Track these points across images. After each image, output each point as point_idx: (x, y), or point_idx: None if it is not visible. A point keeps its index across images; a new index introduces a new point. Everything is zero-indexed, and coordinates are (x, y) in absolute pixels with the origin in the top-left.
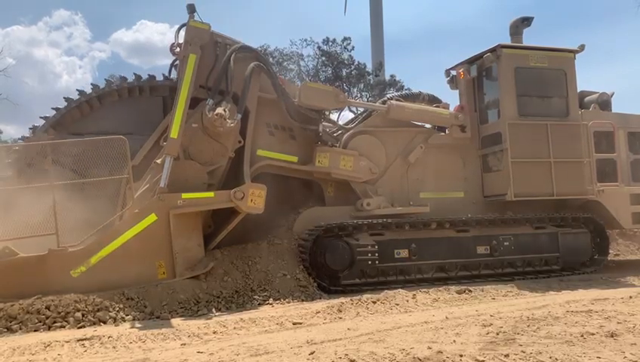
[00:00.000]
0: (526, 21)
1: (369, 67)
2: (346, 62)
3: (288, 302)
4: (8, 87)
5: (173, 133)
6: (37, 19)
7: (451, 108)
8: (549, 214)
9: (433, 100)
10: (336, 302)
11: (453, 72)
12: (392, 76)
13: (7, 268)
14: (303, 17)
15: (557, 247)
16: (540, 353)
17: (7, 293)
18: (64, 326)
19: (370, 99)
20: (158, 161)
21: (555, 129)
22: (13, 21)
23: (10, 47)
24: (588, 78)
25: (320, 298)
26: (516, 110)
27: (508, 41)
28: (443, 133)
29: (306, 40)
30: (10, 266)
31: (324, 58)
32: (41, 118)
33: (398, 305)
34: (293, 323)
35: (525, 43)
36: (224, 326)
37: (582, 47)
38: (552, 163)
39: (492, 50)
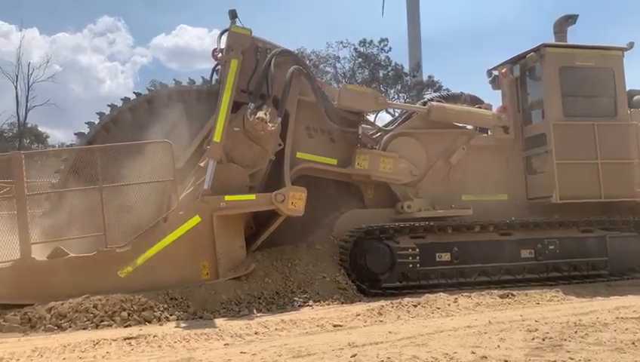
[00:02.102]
0: (570, 19)
1: (406, 68)
2: (382, 63)
3: (328, 304)
4: (55, 93)
5: (216, 136)
6: (82, 27)
7: (494, 109)
8: (597, 217)
9: (475, 101)
10: (376, 305)
11: (495, 72)
12: (429, 77)
13: (58, 267)
14: (340, 19)
15: (605, 251)
16: (589, 360)
17: (58, 292)
18: (111, 325)
19: (407, 100)
20: (202, 164)
21: (602, 129)
22: (60, 29)
23: (57, 54)
24: (637, 77)
25: (359, 300)
26: (561, 110)
27: (551, 40)
28: (485, 135)
29: (342, 42)
30: (61, 266)
31: (360, 60)
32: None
33: (439, 308)
34: (334, 326)
35: (570, 42)
36: (265, 327)
37: (631, 45)
38: (600, 164)
39: (536, 50)
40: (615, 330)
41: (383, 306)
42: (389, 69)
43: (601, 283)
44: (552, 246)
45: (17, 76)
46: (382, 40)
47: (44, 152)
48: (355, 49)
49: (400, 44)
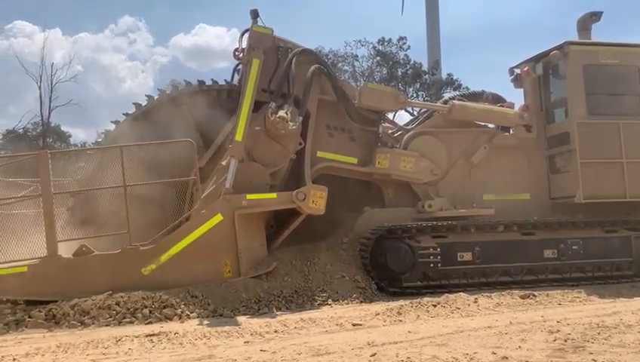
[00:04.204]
0: (595, 16)
1: (425, 66)
2: (401, 61)
3: (347, 303)
4: (77, 92)
5: (238, 135)
6: (104, 27)
7: (516, 108)
8: (622, 217)
9: (497, 99)
10: (395, 304)
11: (518, 71)
12: (449, 75)
13: (84, 265)
14: (358, 18)
15: (630, 252)
16: None
17: (83, 289)
18: (133, 322)
19: (426, 98)
20: (224, 163)
21: (627, 128)
22: (82, 29)
23: (79, 54)
24: None
25: (379, 300)
26: (585, 109)
27: (575, 38)
28: (507, 134)
29: (360, 41)
30: (86, 263)
31: (378, 58)
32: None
33: (459, 308)
34: (353, 325)
35: (594, 39)
36: (285, 325)
37: None
38: (625, 163)
39: (559, 47)
40: (639, 332)
41: (402, 306)
42: (408, 67)
43: (624, 283)
44: (576, 247)
45: (41, 77)
46: (400, 38)
47: (68, 152)
48: (374, 47)
49: (419, 43)
